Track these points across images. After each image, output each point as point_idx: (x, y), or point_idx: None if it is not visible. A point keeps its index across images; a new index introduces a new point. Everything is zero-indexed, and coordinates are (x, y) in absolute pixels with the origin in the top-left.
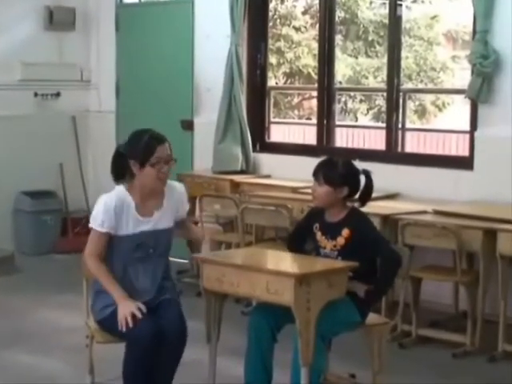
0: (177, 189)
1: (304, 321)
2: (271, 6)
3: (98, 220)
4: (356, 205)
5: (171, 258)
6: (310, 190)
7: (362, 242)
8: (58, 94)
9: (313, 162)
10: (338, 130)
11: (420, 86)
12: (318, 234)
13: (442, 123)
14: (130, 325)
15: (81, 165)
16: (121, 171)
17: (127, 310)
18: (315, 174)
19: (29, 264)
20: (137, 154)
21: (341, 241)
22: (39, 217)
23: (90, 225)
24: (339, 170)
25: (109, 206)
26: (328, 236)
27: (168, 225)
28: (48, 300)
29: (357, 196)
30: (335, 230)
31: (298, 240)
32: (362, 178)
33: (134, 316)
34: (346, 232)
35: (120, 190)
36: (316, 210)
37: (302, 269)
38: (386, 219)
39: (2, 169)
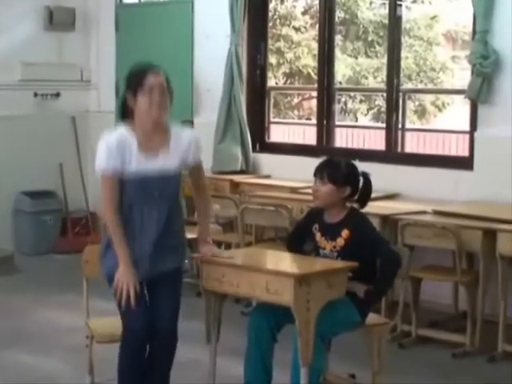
0: (186, 133)
1: (304, 321)
2: (271, 6)
3: (103, 162)
4: (355, 206)
5: None
6: (309, 191)
7: (361, 242)
8: (57, 94)
9: (312, 162)
10: (337, 130)
11: (420, 86)
12: (318, 235)
13: (441, 123)
14: (123, 301)
15: (81, 165)
16: (125, 109)
17: (125, 278)
18: (318, 172)
19: (29, 264)
20: (130, 85)
21: (340, 242)
22: (39, 217)
23: (97, 172)
24: (342, 169)
25: (111, 145)
26: (327, 237)
27: (175, 168)
28: (48, 300)
29: (355, 198)
30: (335, 231)
31: (298, 241)
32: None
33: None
34: (345, 233)
35: (121, 130)
36: (315, 211)
37: (301, 269)
38: (386, 219)
39: (1, 169)
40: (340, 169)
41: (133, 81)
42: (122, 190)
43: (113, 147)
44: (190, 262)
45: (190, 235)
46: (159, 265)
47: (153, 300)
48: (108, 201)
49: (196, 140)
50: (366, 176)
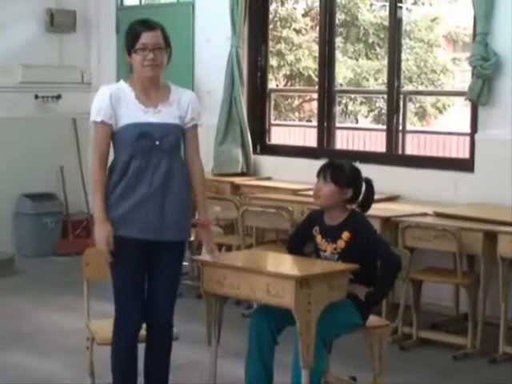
0: (187, 93)
1: (304, 323)
2: (271, 8)
3: (95, 110)
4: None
5: None
6: (310, 193)
7: (362, 244)
8: (58, 97)
9: (313, 164)
10: (338, 132)
11: (420, 88)
12: (318, 237)
13: (442, 125)
14: (106, 252)
15: (81, 167)
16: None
17: (102, 234)
18: (321, 172)
19: (29, 266)
20: (126, 41)
21: (341, 244)
22: (40, 219)
23: (90, 122)
24: (346, 172)
25: (103, 94)
26: (328, 239)
27: (175, 121)
28: (48, 302)
29: (357, 203)
30: (335, 233)
31: (298, 243)
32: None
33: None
34: (346, 235)
35: (119, 83)
36: (315, 213)
37: (302, 271)
38: (387, 221)
39: (2, 171)
40: (343, 171)
41: (128, 40)
42: (119, 146)
43: (106, 97)
44: (190, 265)
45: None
46: (159, 230)
47: (150, 283)
48: (95, 151)
49: (195, 100)
50: (368, 182)
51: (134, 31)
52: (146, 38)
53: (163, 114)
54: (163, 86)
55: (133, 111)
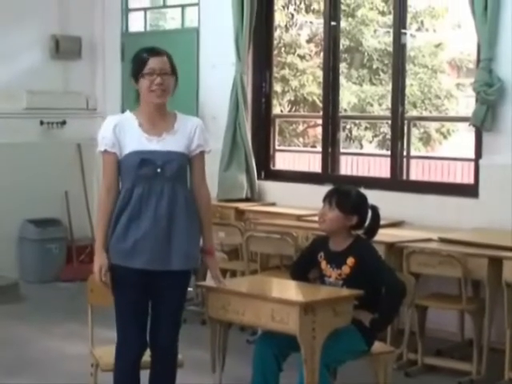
0: (192, 121)
1: (309, 349)
2: (276, 34)
3: (99, 140)
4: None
5: None
6: (315, 218)
7: (366, 270)
8: (63, 123)
9: (318, 190)
10: (342, 158)
11: (425, 113)
12: (323, 263)
13: (446, 151)
14: (100, 281)
15: (86, 193)
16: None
17: (97, 264)
18: (327, 198)
19: (33, 292)
20: (133, 69)
21: (346, 269)
22: (44, 245)
23: (97, 152)
24: (352, 198)
25: (108, 124)
26: (333, 265)
27: (179, 149)
28: (53, 328)
29: (363, 230)
30: (340, 259)
31: (302, 269)
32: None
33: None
34: (350, 261)
35: (125, 113)
36: (320, 239)
37: (307, 297)
38: (391, 247)
39: (7, 196)
40: (349, 197)
41: (135, 66)
42: (123, 174)
43: (109, 127)
44: (194, 290)
45: None
46: (165, 259)
47: (154, 309)
48: (102, 180)
49: (201, 127)
50: (374, 209)
51: (141, 57)
52: (153, 62)
53: (167, 142)
54: (169, 113)
55: (136, 139)
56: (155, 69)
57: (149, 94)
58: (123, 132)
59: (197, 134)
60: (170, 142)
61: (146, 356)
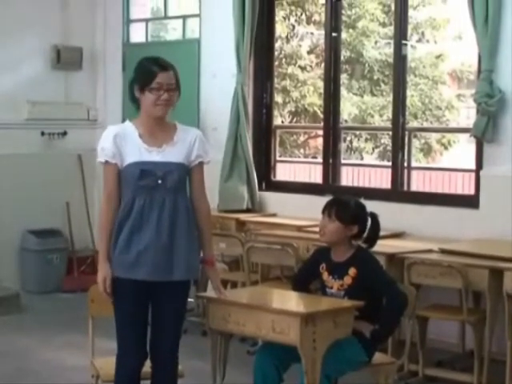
0: (192, 132)
1: (310, 360)
2: (277, 45)
3: (99, 150)
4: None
5: None
6: (316, 229)
7: (368, 281)
8: (64, 133)
9: (318, 201)
10: (343, 169)
11: (425, 124)
12: (325, 274)
13: (447, 162)
14: (104, 291)
15: (87, 204)
16: (134, 100)
17: (101, 275)
18: (326, 209)
19: (34, 303)
20: (138, 79)
21: (348, 280)
22: (45, 255)
23: (97, 162)
24: (351, 209)
25: (108, 134)
26: (335, 276)
27: (179, 161)
28: (53, 339)
29: (363, 238)
30: (342, 270)
31: (304, 280)
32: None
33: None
34: (352, 271)
35: (124, 123)
36: (322, 250)
37: (307, 308)
38: (392, 258)
39: (8, 207)
40: (348, 208)
41: (141, 77)
42: (123, 185)
43: (110, 137)
44: (195, 301)
45: None
46: (167, 270)
47: (155, 320)
48: (103, 191)
49: (201, 138)
50: (374, 217)
51: (150, 70)
52: (162, 78)
53: (167, 154)
54: (168, 124)
55: (136, 150)
56: (163, 84)
57: (153, 107)
58: (124, 142)
59: (196, 145)
60: (170, 153)
61: (147, 367)
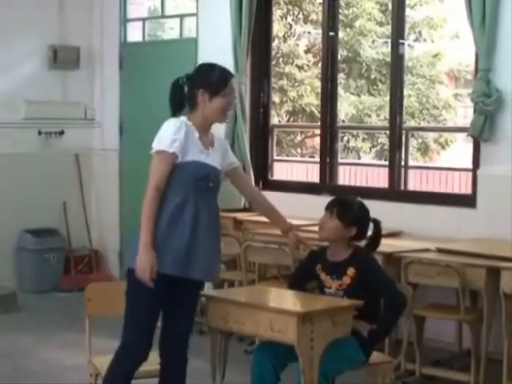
0: (223, 139)
1: (307, 359)
2: (274, 44)
3: (167, 140)
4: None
5: None
6: (313, 228)
7: (367, 281)
8: (61, 132)
9: (316, 200)
10: (340, 168)
11: (423, 124)
12: (322, 275)
13: (444, 161)
14: (149, 279)
15: (84, 203)
16: (180, 103)
17: (148, 264)
18: (329, 207)
19: (31, 302)
20: (210, 84)
21: (346, 280)
22: (42, 255)
23: (155, 148)
24: (354, 210)
25: (179, 127)
26: (333, 276)
27: (220, 166)
28: (51, 338)
29: (364, 243)
30: (340, 270)
31: (300, 282)
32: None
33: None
34: (351, 271)
35: (184, 118)
36: (316, 252)
37: (305, 307)
38: (389, 257)
39: (5, 206)
40: (351, 209)
41: (213, 81)
42: (178, 181)
43: (181, 129)
44: None
45: None
46: (196, 269)
47: (169, 316)
48: (152, 182)
49: (228, 146)
50: (376, 224)
51: (225, 76)
52: (234, 83)
53: (213, 158)
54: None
55: (196, 150)
56: (234, 90)
57: (221, 113)
58: (188, 138)
59: (230, 152)
60: (214, 158)
61: (154, 365)
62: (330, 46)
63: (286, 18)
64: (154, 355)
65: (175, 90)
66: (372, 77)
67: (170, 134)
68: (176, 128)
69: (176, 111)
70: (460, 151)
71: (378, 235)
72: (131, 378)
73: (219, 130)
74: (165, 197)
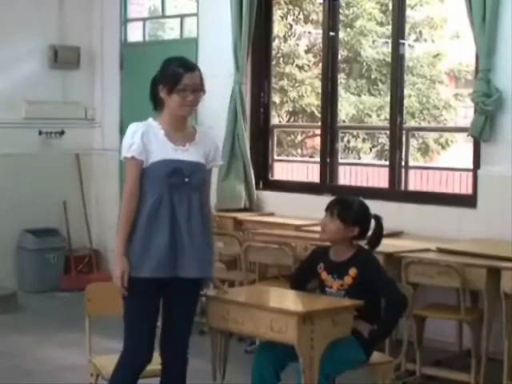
0: (211, 136)
1: (308, 359)
2: (274, 44)
3: (125, 146)
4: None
5: None
6: (314, 228)
7: (368, 282)
8: (62, 132)
9: (316, 200)
10: (341, 168)
11: (423, 124)
12: (324, 274)
13: (445, 161)
14: (122, 286)
15: (84, 203)
16: (155, 99)
17: (119, 270)
18: (329, 208)
19: (31, 302)
20: (165, 80)
21: (348, 280)
22: (42, 255)
23: (121, 157)
24: (354, 209)
25: (135, 130)
26: (335, 275)
27: (201, 160)
28: (51, 338)
29: (366, 240)
30: (342, 270)
31: (301, 280)
32: (372, 223)
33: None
34: (353, 271)
35: (148, 121)
36: (319, 250)
37: (305, 307)
38: (390, 257)
39: (5, 206)
40: (351, 209)
41: (168, 79)
42: (149, 182)
43: (138, 134)
44: None
45: None
46: (185, 267)
47: (168, 317)
48: (126, 187)
49: (218, 144)
50: (378, 220)
51: (176, 72)
52: (188, 79)
53: (191, 153)
54: (189, 126)
55: (163, 148)
56: (189, 85)
57: (180, 108)
58: (149, 140)
59: (214, 150)
60: (194, 153)
61: (156, 364)
62: (330, 46)
63: (287, 18)
64: (156, 355)
65: (150, 85)
66: (372, 77)
67: (127, 140)
68: (131, 133)
69: (156, 107)
70: (460, 151)
71: (379, 232)
72: (137, 379)
73: (220, 129)
74: (141, 201)
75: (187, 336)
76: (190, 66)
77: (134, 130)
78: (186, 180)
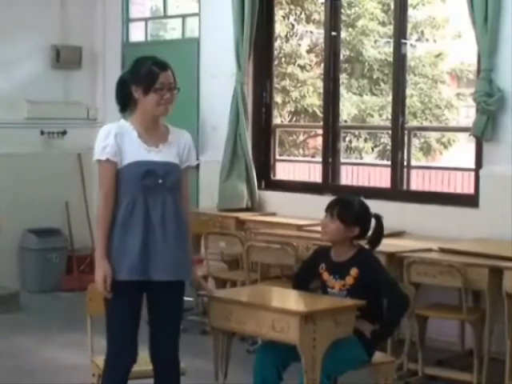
0: (184, 134)
1: (310, 359)
2: (276, 44)
3: (99, 149)
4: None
5: None
6: (315, 228)
7: (370, 282)
8: (64, 132)
9: (318, 200)
10: (343, 168)
11: (425, 123)
12: (325, 274)
13: (447, 161)
14: (104, 290)
15: (86, 203)
16: (125, 100)
17: (101, 274)
18: (329, 208)
19: (34, 302)
20: (140, 80)
21: (350, 280)
22: (44, 255)
23: (94, 159)
24: (355, 209)
25: (108, 132)
26: (336, 276)
27: (175, 161)
28: (53, 338)
29: (366, 240)
30: (343, 270)
31: (303, 280)
32: (373, 222)
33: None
34: (354, 271)
35: (119, 122)
36: (321, 250)
37: (307, 307)
38: (392, 257)
39: (8, 207)
40: (351, 209)
41: (142, 78)
42: (123, 184)
43: (111, 136)
44: (194, 300)
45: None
46: (158, 270)
47: (153, 320)
48: (100, 190)
49: (191, 143)
50: (378, 219)
51: (152, 71)
52: (164, 77)
53: (165, 154)
54: (161, 125)
55: (136, 150)
56: (165, 84)
57: (156, 107)
58: (123, 141)
59: (187, 150)
60: (167, 154)
61: (143, 366)
62: (332, 45)
63: (288, 18)
64: (145, 355)
65: (118, 86)
66: (374, 77)
67: (100, 142)
68: (104, 135)
69: (122, 109)
70: (462, 151)
71: (380, 231)
72: (127, 380)
73: (222, 129)
74: (116, 204)
75: (175, 338)
76: (164, 65)
77: (108, 131)
78: (160, 181)
